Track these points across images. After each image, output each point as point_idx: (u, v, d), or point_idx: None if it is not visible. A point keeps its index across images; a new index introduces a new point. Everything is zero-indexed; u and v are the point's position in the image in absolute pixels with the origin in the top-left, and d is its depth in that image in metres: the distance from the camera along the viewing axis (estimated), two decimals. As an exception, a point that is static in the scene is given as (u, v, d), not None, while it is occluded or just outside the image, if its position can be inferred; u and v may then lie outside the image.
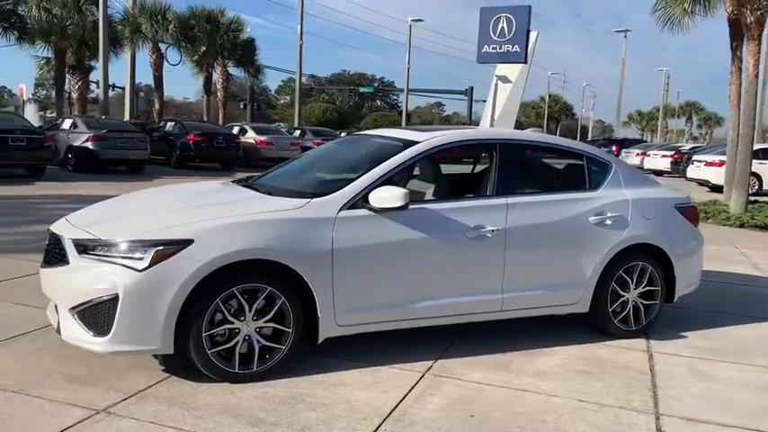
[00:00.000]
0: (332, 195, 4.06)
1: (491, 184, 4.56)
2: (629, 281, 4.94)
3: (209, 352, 3.69)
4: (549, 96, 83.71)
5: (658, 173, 29.21)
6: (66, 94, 28.28)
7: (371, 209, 4.04)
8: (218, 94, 33.19)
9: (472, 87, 52.96)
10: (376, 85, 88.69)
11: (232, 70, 34.26)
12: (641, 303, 5.01)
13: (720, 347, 4.90)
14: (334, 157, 4.94)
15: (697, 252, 5.34)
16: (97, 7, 23.41)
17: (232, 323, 3.75)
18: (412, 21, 43.21)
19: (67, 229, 3.91)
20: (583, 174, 4.94)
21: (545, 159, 5.32)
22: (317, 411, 3.48)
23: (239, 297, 3.73)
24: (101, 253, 3.64)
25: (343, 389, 3.80)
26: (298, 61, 33.22)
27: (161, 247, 3.56)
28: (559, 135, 76.65)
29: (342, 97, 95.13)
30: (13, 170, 15.63)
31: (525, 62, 44.37)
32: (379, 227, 4.05)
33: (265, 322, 3.84)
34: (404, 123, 44.62)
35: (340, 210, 4.00)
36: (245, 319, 3.78)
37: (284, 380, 3.85)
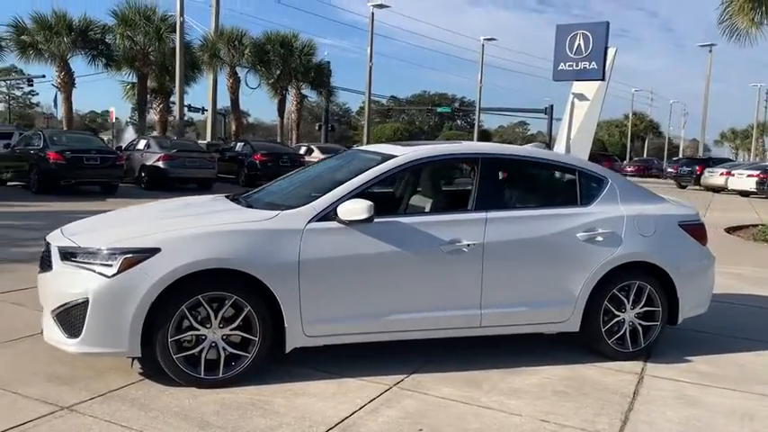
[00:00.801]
0: (302, 208, 4.16)
1: (471, 198, 4.52)
2: (625, 300, 4.75)
3: (174, 357, 3.85)
4: (634, 114, 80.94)
5: (744, 194, 27.65)
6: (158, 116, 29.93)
7: (341, 221, 4.11)
8: (293, 115, 34.23)
9: (552, 106, 52.12)
10: (455, 104, 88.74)
11: (307, 92, 35.34)
12: (639, 324, 4.80)
13: (723, 374, 4.62)
14: (324, 171, 5.04)
15: (705, 272, 5.07)
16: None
17: (198, 330, 3.90)
18: (485, 40, 43.07)
19: (57, 237, 4.19)
20: (573, 189, 4.81)
21: (533, 174, 5.21)
22: (267, 419, 3.56)
23: (205, 305, 3.88)
24: (79, 260, 3.89)
25: (303, 398, 3.86)
26: (367, 82, 33.81)
27: (129, 255, 3.77)
28: (646, 155, 73.99)
29: (421, 117, 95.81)
30: (88, 187, 16.72)
31: (603, 79, 43.26)
32: (347, 239, 4.11)
33: (231, 330, 3.96)
34: (475, 140, 44.32)
35: (309, 222, 4.09)
36: (211, 326, 3.92)
37: (249, 387, 3.95)
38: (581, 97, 50.28)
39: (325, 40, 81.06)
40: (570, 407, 3.91)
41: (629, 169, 50.78)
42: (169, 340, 3.82)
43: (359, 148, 5.17)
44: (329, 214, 4.12)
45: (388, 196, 5.79)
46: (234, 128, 31.60)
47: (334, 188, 4.27)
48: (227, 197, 4.78)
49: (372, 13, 33.38)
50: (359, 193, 4.23)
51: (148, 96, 28.01)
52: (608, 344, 4.73)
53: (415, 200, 5.18)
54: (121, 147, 21.28)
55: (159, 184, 18.26)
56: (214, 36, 30.18)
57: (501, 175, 4.71)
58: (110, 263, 3.77)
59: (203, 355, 3.91)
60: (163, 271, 3.75)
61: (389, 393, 3.99)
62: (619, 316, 4.76)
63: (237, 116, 32.12)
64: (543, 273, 4.53)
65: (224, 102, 35.36)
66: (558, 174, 5.12)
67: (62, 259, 3.97)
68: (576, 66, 50.19)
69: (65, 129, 25.36)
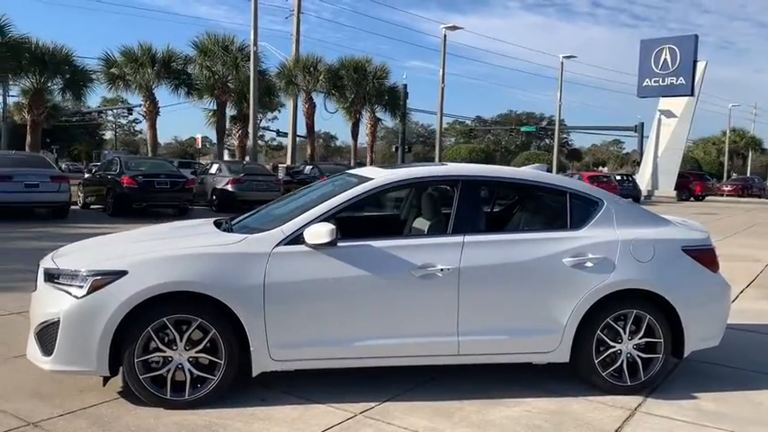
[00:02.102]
0: (271, 231, 4.19)
1: (449, 221, 4.41)
2: (621, 330, 4.46)
3: (141, 377, 3.94)
4: (734, 131, 76.51)
5: None
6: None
7: (308, 245, 4.10)
8: (367, 137, 34.71)
9: (642, 123, 50.29)
10: (543, 123, 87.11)
11: (382, 115, 35.80)
12: (639, 357, 4.49)
13: (729, 413, 4.23)
14: (309, 194, 5.05)
15: (715, 301, 4.68)
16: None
17: (164, 351, 3.98)
18: (564, 57, 42.16)
19: (47, 259, 4.42)
20: (563, 212, 4.59)
21: (519, 197, 5.01)
22: (215, 442, 3.58)
23: (171, 327, 3.96)
24: (58, 281, 4.07)
25: (262, 423, 3.85)
26: (438, 103, 33.80)
27: (98, 277, 3.91)
28: (750, 172, 69.28)
29: (507, 137, 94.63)
30: (161, 209, 17.55)
31: (692, 94, 41.77)
32: (314, 263, 4.10)
33: (198, 353, 4.02)
34: (554, 160, 43.27)
35: (277, 245, 4.11)
36: (177, 348, 3.99)
37: (213, 410, 3.98)
38: (668, 114, 48.07)
39: (414, 62, 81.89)
40: (536, 443, 3.70)
41: (725, 189, 48.00)
42: (135, 361, 3.92)
43: (349, 171, 5.16)
44: (298, 238, 4.13)
45: (390, 219, 5.76)
46: (309, 151, 32.39)
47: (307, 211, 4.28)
48: (215, 221, 4.88)
49: (444, 36, 33.46)
50: (328, 216, 4.22)
51: (227, 123, 29.19)
52: (602, 376, 4.45)
53: (418, 222, 5.10)
54: (196, 171, 22.30)
55: (228, 205, 18.89)
56: (291, 63, 31.19)
57: (482, 199, 4.56)
58: (81, 284, 3.93)
59: (169, 377, 3.99)
60: (128, 293, 3.87)
61: (351, 422, 3.91)
62: (614, 347, 4.47)
63: (312, 140, 32.94)
64: (525, 300, 4.33)
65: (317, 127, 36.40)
66: (546, 196, 4.90)
67: (45, 280, 4.17)
68: (663, 81, 48.18)
69: (150, 155, 26.85)
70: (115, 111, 76.46)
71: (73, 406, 4.00)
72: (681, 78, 39.92)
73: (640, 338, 4.49)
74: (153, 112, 27.11)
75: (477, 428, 3.87)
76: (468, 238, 4.32)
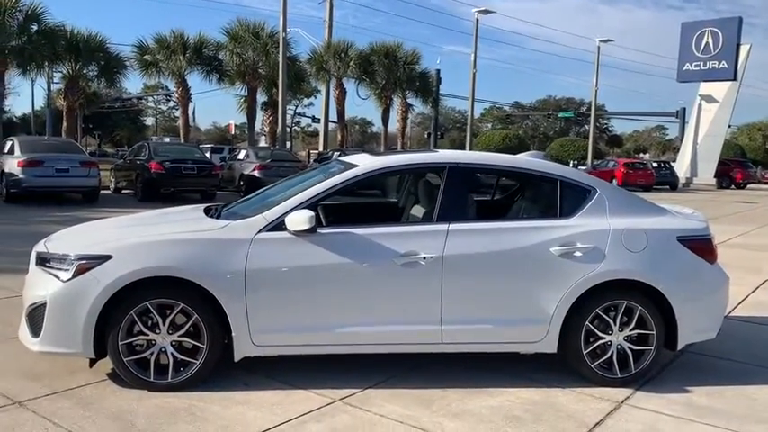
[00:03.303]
0: (253, 218, 4.21)
1: (434, 209, 4.36)
2: (611, 322, 4.36)
3: (125, 360, 4.02)
4: (781, 116, 73.84)
5: None
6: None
7: (290, 231, 4.11)
8: (398, 123, 34.60)
9: (684, 109, 48.96)
10: (583, 108, 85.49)
11: (413, 101, 35.63)
12: (629, 348, 4.40)
13: (720, 408, 4.11)
14: (301, 181, 5.05)
15: (711, 293, 4.54)
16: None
17: (148, 335, 4.05)
18: (601, 41, 41.19)
19: (40, 243, 4.52)
20: (553, 200, 4.49)
21: (507, 185, 4.92)
22: (190, 425, 3.63)
23: (154, 311, 4.02)
24: (47, 264, 4.17)
25: (240, 407, 3.89)
26: (470, 90, 33.39)
27: (83, 261, 3.99)
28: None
29: (546, 123, 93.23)
30: (189, 195, 17.83)
31: (735, 79, 40.62)
32: (296, 250, 4.11)
33: (180, 337, 4.08)
34: (590, 148, 42.49)
35: (259, 231, 4.13)
36: (160, 332, 4.06)
37: (195, 393, 4.04)
38: (709, 99, 46.72)
39: (452, 47, 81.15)
40: (511, 434, 3.66)
41: (769, 176, 46.59)
42: (119, 344, 4.00)
43: (340, 158, 5.14)
44: (280, 224, 4.14)
45: (387, 206, 5.73)
46: (339, 138, 32.46)
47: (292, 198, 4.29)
48: (206, 208, 4.92)
49: (477, 20, 33.02)
50: (310, 203, 4.22)
51: (258, 109, 29.43)
52: (591, 368, 4.37)
53: (415, 210, 5.07)
54: (225, 157, 22.56)
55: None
56: (322, 49, 31.24)
57: (469, 186, 4.49)
58: (67, 268, 4.01)
59: (153, 360, 4.06)
60: (112, 277, 3.93)
61: (329, 407, 3.92)
62: (604, 338, 4.38)
63: (343, 127, 32.98)
64: (511, 289, 4.27)
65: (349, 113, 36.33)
66: (536, 184, 4.81)
67: (36, 264, 4.28)
68: (704, 66, 46.75)
69: (182, 140, 27.26)
70: (155, 97, 77.83)
71: (61, 386, 4.10)
72: (723, 62, 38.65)
73: (631, 330, 4.39)
74: (185, 98, 27.50)
75: (454, 417, 3.84)
76: (454, 226, 4.27)
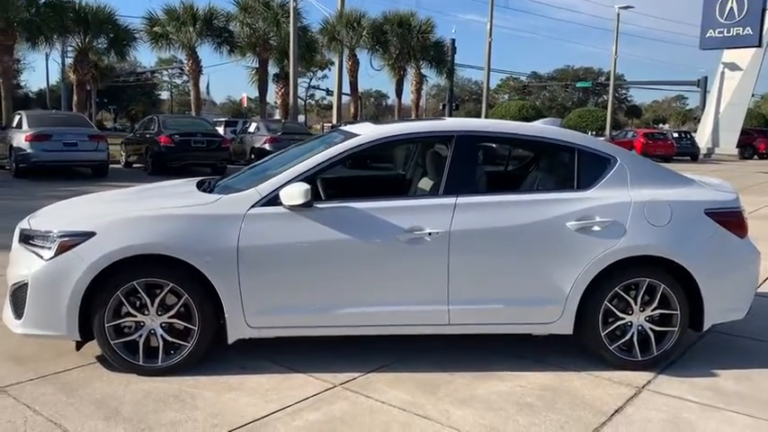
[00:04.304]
0: (246, 192, 3.93)
1: (441, 181, 4.05)
2: (632, 301, 4.06)
3: (113, 342, 3.80)
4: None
5: None
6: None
7: (285, 206, 3.83)
8: (412, 95, 34.06)
9: (706, 78, 47.76)
10: (602, 78, 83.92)
11: (428, 72, 34.99)
12: (651, 329, 4.10)
13: (750, 394, 3.81)
14: (299, 152, 4.74)
15: (741, 270, 4.21)
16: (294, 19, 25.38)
17: (136, 316, 3.82)
18: (620, 8, 40.09)
19: (24, 220, 4.29)
20: (570, 171, 4.16)
21: (520, 155, 4.58)
22: (179, 413, 3.40)
23: (141, 291, 3.78)
24: (30, 242, 3.93)
25: (234, 393, 3.66)
26: (486, 59, 32.73)
27: (65, 239, 3.75)
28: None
29: (563, 94, 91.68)
30: (199, 168, 17.60)
31: (759, 45, 39.45)
32: (292, 225, 3.83)
33: (170, 318, 3.84)
34: (608, 118, 41.64)
35: (252, 206, 3.85)
36: (149, 313, 3.82)
37: (187, 377, 3.81)
38: (732, 67, 45.39)
39: (469, 16, 79.68)
40: (522, 423, 3.39)
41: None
42: (106, 326, 3.77)
43: (341, 128, 4.83)
44: (274, 199, 3.86)
45: (393, 179, 5.44)
46: (352, 110, 32.02)
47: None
48: (199, 181, 4.64)
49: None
50: (307, 176, 3.93)
51: (270, 81, 29.03)
52: (609, 350, 4.08)
53: (423, 183, 4.76)
54: (235, 130, 22.28)
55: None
56: (335, 19, 30.65)
57: (479, 156, 4.17)
58: (49, 246, 3.78)
59: (141, 342, 3.83)
60: (96, 255, 3.69)
61: (327, 393, 3.68)
62: (624, 319, 4.08)
63: (356, 99, 32.53)
64: (523, 267, 3.97)
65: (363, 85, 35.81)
66: (551, 153, 4.47)
67: (19, 241, 4.04)
68: (728, 32, 45.46)
69: (193, 114, 27.00)
70: (169, 70, 77.45)
71: (46, 370, 3.89)
72: (748, 28, 37.45)
73: (653, 310, 4.08)
74: (196, 70, 27.16)
75: (461, 405, 3.58)
76: (462, 199, 3.96)
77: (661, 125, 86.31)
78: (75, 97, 24.18)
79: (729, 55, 38.89)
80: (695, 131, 40.07)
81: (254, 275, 3.80)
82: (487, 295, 3.97)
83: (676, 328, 4.10)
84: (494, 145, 4.46)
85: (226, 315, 3.83)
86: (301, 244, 3.82)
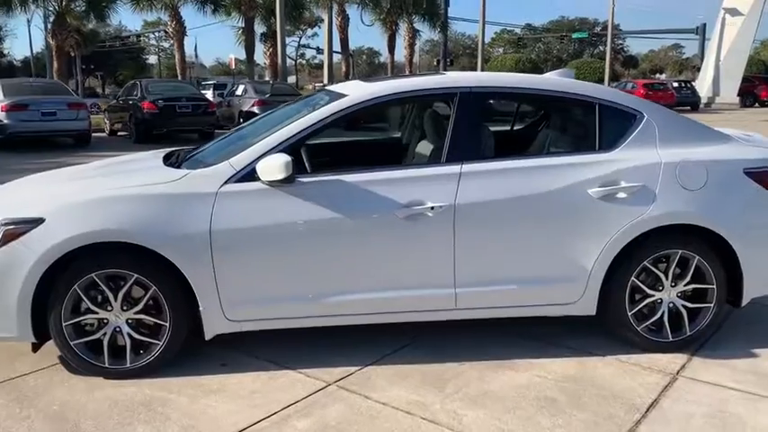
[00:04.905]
0: (218, 166, 3.40)
1: (443, 146, 3.52)
2: (662, 275, 3.58)
3: (72, 343, 3.32)
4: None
5: None
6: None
7: (263, 182, 3.31)
8: (405, 51, 33.10)
9: (704, 25, 46.64)
10: (597, 29, 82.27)
11: (421, 27, 33.95)
12: (684, 307, 3.63)
13: (798, 377, 3.37)
14: (279, 117, 4.18)
15: (786, 237, 3.72)
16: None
17: (97, 313, 3.33)
18: (617, -46, 38.67)
19: None
20: (591, 129, 3.64)
21: (532, 113, 4.05)
22: (148, 425, 2.94)
23: (102, 284, 3.29)
24: None
25: (212, 397, 3.20)
26: (481, 9, 31.59)
27: (11, 227, 3.23)
28: None
29: (558, 46, 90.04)
30: (186, 135, 16.95)
31: (762, -12, 36.77)
32: (272, 204, 3.32)
33: (137, 314, 3.35)
34: (607, 69, 40.74)
35: (225, 183, 3.33)
36: (112, 308, 3.33)
37: (159, 379, 3.35)
38: (733, 12, 44.42)
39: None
40: (545, 426, 2.93)
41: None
42: (64, 325, 3.28)
43: (327, 87, 4.26)
44: (251, 173, 3.33)
45: (386, 145, 4.90)
46: (344, 68, 31.12)
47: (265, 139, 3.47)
48: (167, 154, 4.09)
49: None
50: (288, 145, 3.39)
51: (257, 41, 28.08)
52: (637, 332, 3.62)
53: (420, 148, 4.22)
54: (222, 93, 21.53)
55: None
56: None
57: (485, 116, 3.63)
58: (-8, 235, 3.26)
59: (106, 342, 3.35)
60: (46, 245, 3.18)
61: (320, 394, 3.22)
62: (653, 296, 3.61)
63: (347, 57, 31.58)
64: (539, 241, 3.47)
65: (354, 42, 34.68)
66: (569, 110, 3.94)
67: (-37, 229, 3.52)
68: (728, -27, 43.70)
69: (179, 77, 26.15)
70: (156, 34, 75.62)
71: (0, 375, 3.42)
72: (750, -30, 36.42)
73: (686, 285, 3.61)
74: (180, 32, 26.19)
75: (473, 404, 3.12)
76: (467, 166, 3.44)
77: (658, 75, 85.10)
78: (55, 64, 23.27)
79: (731, 0, 37.82)
80: (693, 80, 39.22)
81: (231, 262, 3.30)
82: (499, 275, 3.48)
83: (712, 305, 3.63)
84: (502, 102, 3.92)
85: (200, 308, 3.34)
86: (284, 225, 3.31)
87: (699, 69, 43.24)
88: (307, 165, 3.56)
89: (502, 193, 3.42)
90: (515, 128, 4.45)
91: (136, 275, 3.28)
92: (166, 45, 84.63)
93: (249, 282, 3.36)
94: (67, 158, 13.02)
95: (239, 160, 3.37)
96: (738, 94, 37.41)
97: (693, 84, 36.75)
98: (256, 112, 18.01)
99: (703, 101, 35.66)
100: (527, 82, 3.81)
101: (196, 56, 70.62)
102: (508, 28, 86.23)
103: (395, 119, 5.02)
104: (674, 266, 3.58)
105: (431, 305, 3.51)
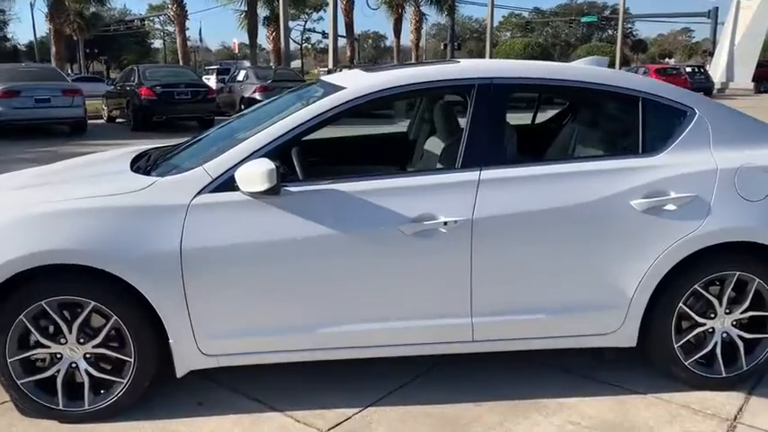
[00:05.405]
0: (191, 172, 2.87)
1: (458, 149, 2.97)
2: (715, 301, 3.04)
3: (20, 382, 2.81)
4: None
5: None
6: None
7: (243, 192, 2.77)
8: (411, 35, 32.36)
9: (717, 8, 45.77)
10: (606, 12, 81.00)
11: (428, 10, 33.18)
12: (739, 337, 3.09)
13: None
14: (267, 113, 3.63)
15: None
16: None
17: (49, 347, 2.82)
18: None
19: None
20: (633, 128, 3.08)
21: (566, 108, 3.48)
22: (102, 491, 2.43)
23: (53, 314, 2.77)
24: None
25: (182, 449, 2.69)
26: (490, -7, 30.82)
27: (-59, 248, 2.71)
28: None
29: (567, 30, 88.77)
30: (185, 122, 16.41)
31: (779, -30, 35.90)
32: (255, 218, 2.78)
33: (96, 347, 2.84)
34: (618, 54, 39.87)
35: (199, 193, 2.80)
36: (66, 341, 2.82)
37: (123, 423, 2.85)
38: (749, -5, 42.92)
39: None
40: (584, 494, 2.41)
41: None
42: (9, 361, 2.78)
43: (324, 78, 3.70)
44: (230, 182, 2.80)
45: (394, 145, 4.35)
46: (348, 53, 30.45)
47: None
48: (138, 155, 3.54)
49: None
50: (272, 149, 2.86)
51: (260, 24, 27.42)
52: (685, 366, 3.09)
53: (430, 148, 3.67)
54: (224, 79, 20.95)
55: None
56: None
57: (508, 112, 3.07)
58: None
59: (60, 380, 2.84)
60: (-18, 269, 2.66)
61: (310, 447, 2.71)
62: (704, 324, 3.07)
63: (352, 41, 30.90)
64: (572, 263, 2.93)
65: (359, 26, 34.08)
66: (607, 105, 3.37)
67: None
68: (743, -45, 42.83)
69: (181, 63, 25.55)
70: (161, 18, 74.90)
71: (-61, 417, 2.92)
72: (766, -50, 35.47)
73: (743, 312, 3.07)
74: (181, 15, 25.61)
75: (494, 461, 2.60)
76: (488, 173, 2.89)
77: (667, 59, 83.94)
78: (53, 48, 22.72)
79: (746, -18, 36.87)
80: (704, 65, 38.38)
81: (206, 287, 2.78)
82: (524, 302, 2.95)
83: (773, 335, 3.09)
84: (526, 95, 3.37)
85: (170, 341, 2.82)
86: (268, 243, 2.77)
87: (709, 54, 42.35)
88: (297, 169, 3.03)
89: (528, 205, 2.87)
90: (543, 127, 3.87)
91: (93, 303, 2.76)
92: (171, 29, 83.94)
93: (227, 310, 2.83)
94: (62, 147, 12.55)
95: (215, 166, 2.84)
96: (753, 80, 36.53)
97: (707, 68, 35.92)
98: (258, 98, 17.44)
99: (717, 86, 34.84)
100: (557, 72, 3.23)
101: (201, 40, 69.82)
102: (516, 12, 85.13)
103: (400, 106, 4.45)
104: (729, 290, 3.04)
105: (443, 337, 2.98)
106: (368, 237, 2.82)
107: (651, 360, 3.18)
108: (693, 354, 3.09)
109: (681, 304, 3.03)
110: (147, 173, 3.10)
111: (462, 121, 3.07)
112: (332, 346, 2.94)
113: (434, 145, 3.62)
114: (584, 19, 71.70)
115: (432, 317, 2.93)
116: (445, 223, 2.81)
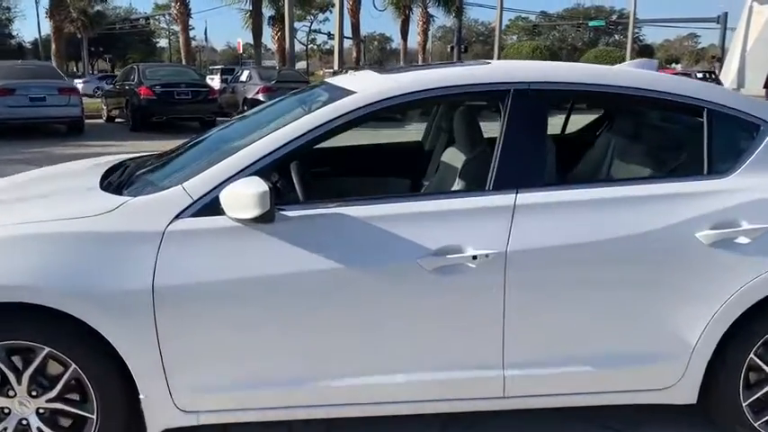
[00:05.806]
0: (167, 192, 2.38)
1: (490, 168, 2.48)
2: (792, 352, 2.55)
3: (-41, 442, 2.34)
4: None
5: None
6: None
7: (230, 217, 2.29)
8: (418, 37, 31.92)
9: (726, 13, 45.19)
10: (614, 17, 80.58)
11: (435, 12, 32.73)
12: (820, 394, 2.60)
13: None
14: (261, 119, 3.16)
15: None
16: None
17: (-5, 400, 2.34)
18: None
19: None
20: (696, 146, 2.59)
21: (614, 119, 2.99)
22: None
23: (-1, 362, 2.29)
24: None
25: None
26: (499, -2, 30.43)
27: None
28: None
29: (573, 34, 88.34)
30: (186, 123, 15.97)
31: (795, -28, 35.24)
32: (244, 249, 2.30)
33: (50, 402, 2.36)
34: (628, 58, 39.34)
35: (177, 217, 2.32)
36: (15, 394, 2.34)
37: (82, 495, 2.36)
38: (762, 0, 42.77)
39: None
40: None
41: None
42: (-55, 417, 2.30)
43: (329, 80, 3.21)
44: (214, 204, 2.32)
45: (411, 161, 3.86)
46: (354, 54, 30.03)
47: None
48: (111, 168, 3.05)
49: None
50: (268, 164, 2.38)
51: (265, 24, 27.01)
52: (754, 428, 2.60)
53: (454, 164, 3.15)
54: (227, 79, 20.52)
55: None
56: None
57: (548, 123, 2.58)
58: None
59: (7, 441, 2.37)
60: None
61: None
62: (777, 379, 2.58)
63: (358, 42, 30.47)
64: (623, 306, 2.45)
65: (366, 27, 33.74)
66: (665, 117, 2.88)
67: None
68: (757, -43, 42.14)
69: (184, 62, 25.15)
70: (166, 16, 74.69)
71: None
72: (780, -47, 34.97)
73: (827, 364, 2.58)
74: (184, 14, 25.21)
75: None
76: (524, 196, 2.41)
77: (674, 65, 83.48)
78: (53, 46, 22.31)
79: (760, -15, 36.33)
80: (713, 70, 37.82)
81: (183, 332, 2.30)
82: (565, 352, 2.46)
83: None
84: (573, 104, 2.87)
85: (141, 395, 2.34)
86: (259, 280, 2.29)
87: (717, 59, 41.84)
88: (297, 187, 2.55)
89: (573, 237, 2.39)
90: (589, 142, 3.35)
91: (48, 349, 2.29)
92: (176, 28, 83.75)
93: (209, 358, 2.36)
94: (57, 148, 12.13)
95: (197, 185, 2.36)
96: (765, 86, 35.99)
97: (718, 74, 35.40)
98: (261, 99, 17.02)
99: (728, 92, 34.33)
100: (607, 77, 2.72)
101: (206, 39, 69.56)
102: (523, 15, 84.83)
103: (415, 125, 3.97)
104: (808, 340, 2.55)
105: (468, 392, 2.49)
106: (381, 272, 2.33)
107: (713, 418, 2.68)
108: (764, 414, 2.60)
109: (752, 355, 2.54)
110: (119, 191, 2.61)
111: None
112: (334, 403, 2.46)
113: (453, 157, 3.13)
114: (591, 23, 71.27)
115: (456, 368, 2.44)
116: (474, 257, 2.33)
